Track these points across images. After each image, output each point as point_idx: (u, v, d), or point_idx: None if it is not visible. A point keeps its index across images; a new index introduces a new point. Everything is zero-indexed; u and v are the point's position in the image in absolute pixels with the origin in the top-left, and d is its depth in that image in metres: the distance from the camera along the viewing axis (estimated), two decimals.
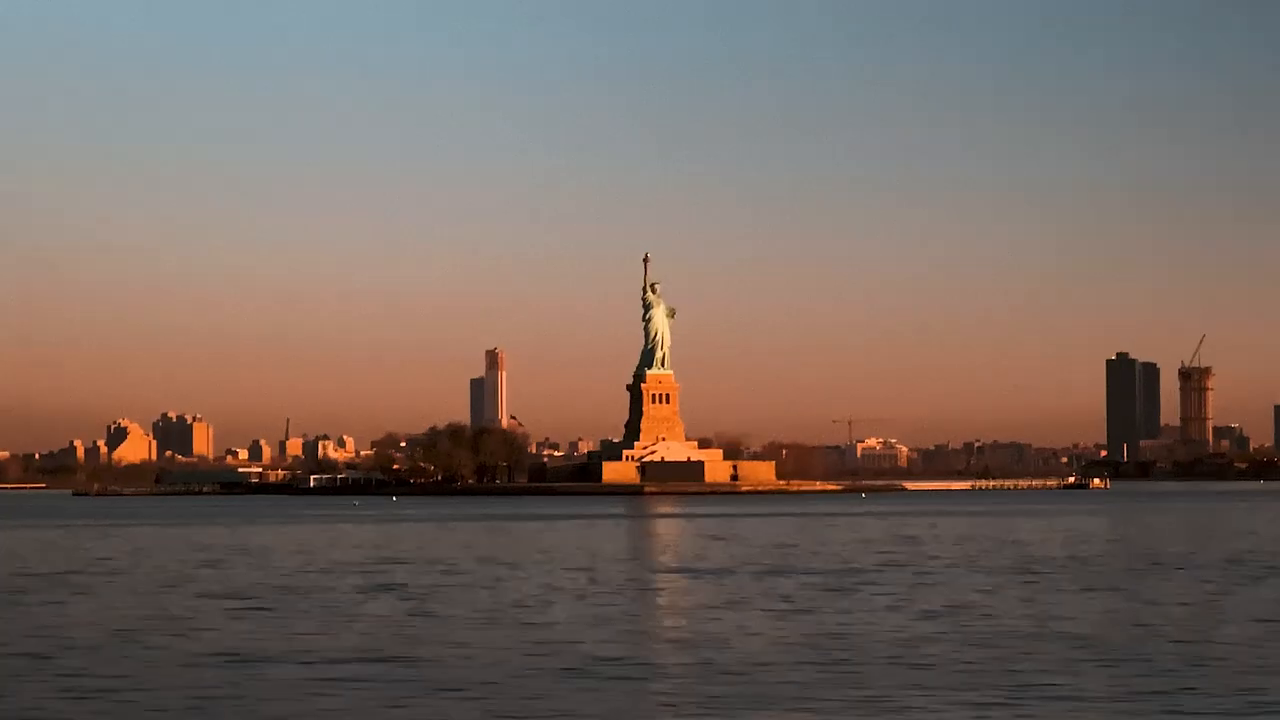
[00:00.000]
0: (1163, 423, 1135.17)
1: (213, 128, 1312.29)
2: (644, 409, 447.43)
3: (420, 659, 52.46)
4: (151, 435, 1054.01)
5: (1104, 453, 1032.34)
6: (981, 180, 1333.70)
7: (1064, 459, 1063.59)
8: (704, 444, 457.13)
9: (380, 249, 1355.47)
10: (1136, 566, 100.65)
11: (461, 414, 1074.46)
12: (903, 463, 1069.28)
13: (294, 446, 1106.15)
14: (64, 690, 46.14)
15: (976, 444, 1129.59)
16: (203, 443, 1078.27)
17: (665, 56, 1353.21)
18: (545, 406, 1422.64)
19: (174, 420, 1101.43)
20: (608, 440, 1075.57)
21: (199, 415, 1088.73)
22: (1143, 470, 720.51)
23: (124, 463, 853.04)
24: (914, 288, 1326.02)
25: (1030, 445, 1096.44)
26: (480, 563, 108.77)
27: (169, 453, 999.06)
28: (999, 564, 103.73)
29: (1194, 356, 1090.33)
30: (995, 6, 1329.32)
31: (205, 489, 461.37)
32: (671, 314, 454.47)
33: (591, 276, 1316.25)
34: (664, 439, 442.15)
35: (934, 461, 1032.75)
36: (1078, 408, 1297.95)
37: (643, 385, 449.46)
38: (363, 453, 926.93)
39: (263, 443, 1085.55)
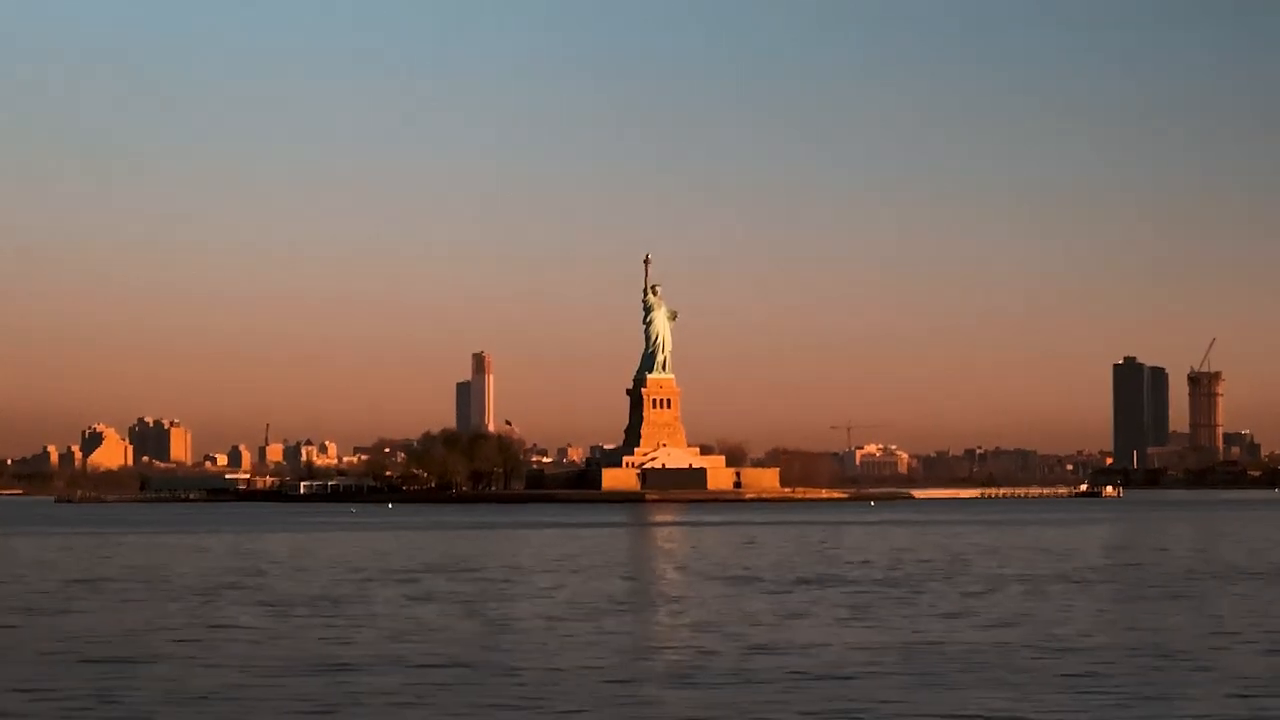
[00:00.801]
0: (1171, 429, 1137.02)
1: (192, 128, 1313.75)
2: (644, 414, 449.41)
3: (520, 666, 54.16)
4: (128, 440, 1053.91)
5: (1110, 460, 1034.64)
6: (985, 181, 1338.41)
7: (1069, 466, 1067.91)
8: (705, 450, 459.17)
9: (363, 250, 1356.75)
10: (1195, 575, 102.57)
11: (447, 419, 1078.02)
12: (903, 469, 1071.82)
13: (274, 452, 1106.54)
14: (169, 695, 47.58)
15: (978, 450, 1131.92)
16: (180, 448, 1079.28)
17: (668, 52, 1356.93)
18: (533, 412, 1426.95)
19: (150, 425, 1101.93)
20: (598, 446, 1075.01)
21: (176, 420, 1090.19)
22: (1153, 478, 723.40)
23: (100, 468, 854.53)
24: (915, 290, 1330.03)
25: (1035, 452, 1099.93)
26: (520, 571, 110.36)
27: (146, 458, 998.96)
28: (1045, 573, 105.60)
29: (1203, 361, 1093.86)
30: (1002, 4, 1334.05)
31: (191, 495, 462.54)
32: (673, 317, 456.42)
33: (581, 278, 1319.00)
34: (665, 445, 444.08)
35: (936, 469, 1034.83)
36: (1083, 414, 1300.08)
37: (643, 390, 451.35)
38: (345, 459, 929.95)
39: (242, 448, 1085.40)
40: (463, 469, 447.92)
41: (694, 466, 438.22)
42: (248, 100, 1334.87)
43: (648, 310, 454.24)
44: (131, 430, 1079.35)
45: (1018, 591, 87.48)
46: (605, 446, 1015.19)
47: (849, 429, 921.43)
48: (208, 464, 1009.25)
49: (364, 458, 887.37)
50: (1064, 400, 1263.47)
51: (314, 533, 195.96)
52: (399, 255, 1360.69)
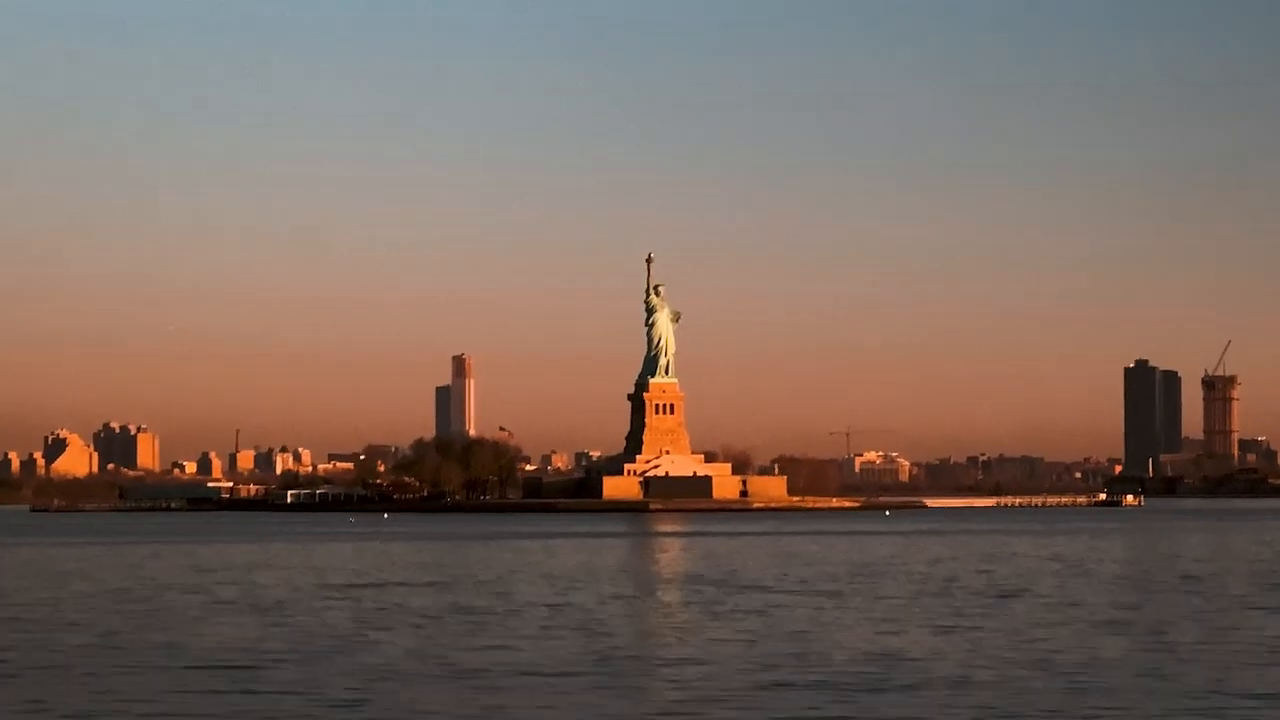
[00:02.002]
0: (1184, 435, 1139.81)
1: (159, 126, 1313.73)
2: (646, 420, 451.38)
3: (647, 671, 57.96)
4: (92, 447, 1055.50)
5: (1119, 468, 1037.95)
6: (991, 177, 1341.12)
7: (1077, 474, 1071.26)
8: (709, 458, 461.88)
9: (337, 247, 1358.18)
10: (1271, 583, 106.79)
11: (426, 424, 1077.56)
12: (904, 477, 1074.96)
13: (246, 459, 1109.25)
14: (313, 704, 50.93)
15: (982, 458, 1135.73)
16: (148, 455, 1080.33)
17: (672, 42, 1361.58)
18: (516, 417, 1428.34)
19: (117, 431, 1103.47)
20: (584, 452, 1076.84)
21: (144, 425, 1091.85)
22: (1169, 487, 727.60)
23: (66, 476, 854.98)
24: (917, 290, 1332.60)
25: (1042, 459, 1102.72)
26: (572, 581, 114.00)
27: (112, 465, 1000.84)
28: (1119, 579, 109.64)
29: (1218, 364, 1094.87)
30: (1008, 21, 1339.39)
31: (172, 505, 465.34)
32: (676, 318, 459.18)
33: (571, 276, 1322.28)
34: (668, 452, 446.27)
35: (940, 477, 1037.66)
36: (1092, 419, 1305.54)
37: (645, 394, 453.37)
38: (320, 466, 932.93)
39: (213, 455, 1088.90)
40: (457, 477, 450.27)
41: (699, 475, 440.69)
42: (223, 96, 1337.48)
43: (650, 311, 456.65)
44: (97, 436, 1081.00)
45: (1112, 601, 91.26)
46: (592, 453, 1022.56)
47: (848, 434, 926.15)
48: (176, 471, 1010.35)
49: (339, 465, 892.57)
50: (1072, 405, 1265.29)
51: (334, 543, 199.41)
52: (374, 253, 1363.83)
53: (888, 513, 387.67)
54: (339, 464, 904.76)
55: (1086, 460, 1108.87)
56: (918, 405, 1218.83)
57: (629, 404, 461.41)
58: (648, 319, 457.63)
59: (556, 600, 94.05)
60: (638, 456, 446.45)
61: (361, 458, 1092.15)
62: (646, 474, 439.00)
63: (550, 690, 52.72)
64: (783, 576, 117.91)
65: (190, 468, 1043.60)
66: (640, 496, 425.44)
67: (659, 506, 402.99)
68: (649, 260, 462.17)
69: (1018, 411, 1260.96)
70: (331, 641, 69.51)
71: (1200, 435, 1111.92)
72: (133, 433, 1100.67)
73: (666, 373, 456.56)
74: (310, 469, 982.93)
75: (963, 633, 72.04)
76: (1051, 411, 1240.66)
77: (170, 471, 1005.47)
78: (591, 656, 62.46)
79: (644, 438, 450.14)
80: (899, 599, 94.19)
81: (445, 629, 75.43)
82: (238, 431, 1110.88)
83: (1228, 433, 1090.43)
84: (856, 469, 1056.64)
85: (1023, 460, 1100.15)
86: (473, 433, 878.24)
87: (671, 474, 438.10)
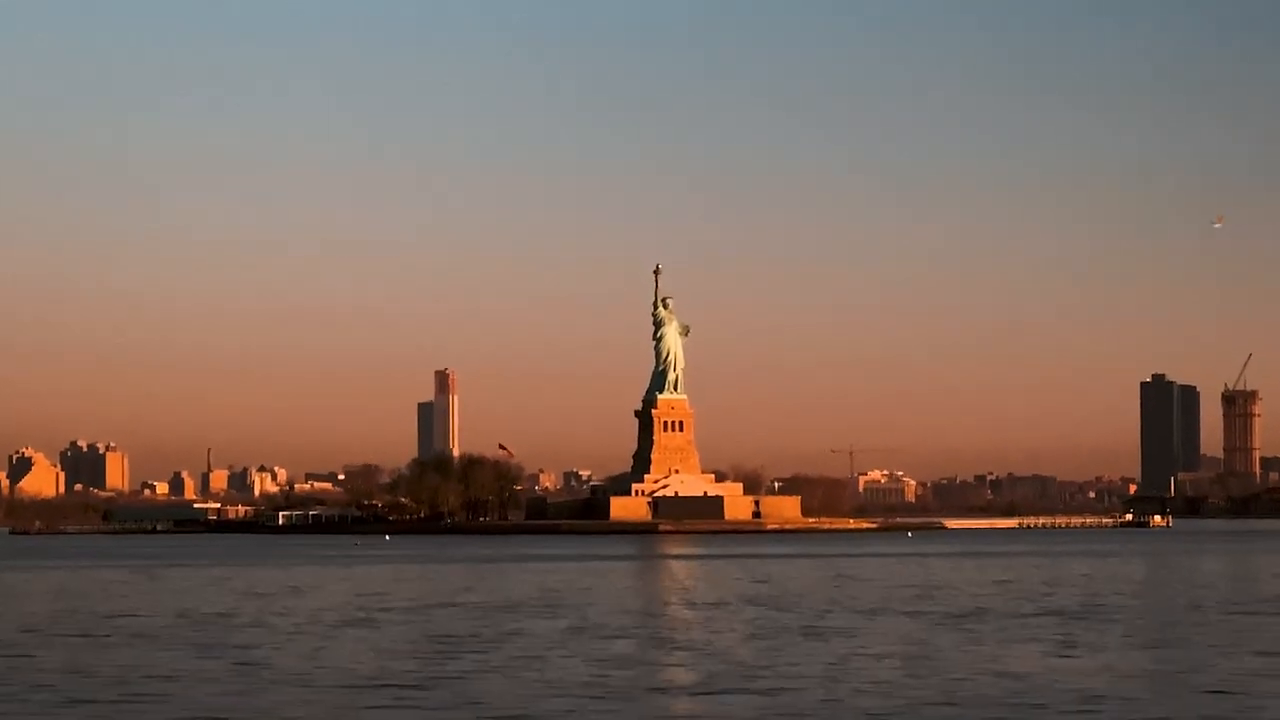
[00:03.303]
0: (1203, 453, 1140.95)
1: (127, 138, 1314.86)
2: (655, 438, 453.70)
3: (784, 689, 61.84)
4: (59, 466, 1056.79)
5: (1133, 487, 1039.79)
6: (999, 182, 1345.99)
7: (1091, 494, 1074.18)
8: (719, 477, 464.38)
9: (314, 256, 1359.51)
10: None
11: (407, 442, 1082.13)
12: (910, 498, 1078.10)
13: (219, 479, 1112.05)
14: None
15: (990, 477, 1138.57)
16: (117, 474, 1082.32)
17: (677, 53, 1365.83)
18: (502, 435, 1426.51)
19: (84, 450, 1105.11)
20: (573, 471, 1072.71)
21: (112, 444, 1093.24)
22: (1193, 507, 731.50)
23: (33, 496, 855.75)
24: (923, 302, 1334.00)
25: (1054, 478, 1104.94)
26: (713, 608, 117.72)
27: (79, 486, 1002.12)
28: (1210, 604, 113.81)
29: (1239, 379, 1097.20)
30: (1016, 20, 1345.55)
31: (158, 527, 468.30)
32: (685, 332, 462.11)
33: (561, 287, 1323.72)
34: (678, 471, 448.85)
35: (948, 496, 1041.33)
36: (1105, 436, 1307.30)
37: (653, 411, 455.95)
38: (297, 485, 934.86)
39: (185, 475, 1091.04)
40: (456, 497, 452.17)
41: (709, 495, 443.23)
42: (196, 104, 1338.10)
43: (658, 325, 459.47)
44: (63, 455, 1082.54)
45: (1229, 627, 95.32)
46: (582, 472, 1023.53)
47: (851, 453, 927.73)
48: (147, 492, 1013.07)
49: (317, 485, 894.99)
50: (1085, 422, 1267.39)
51: (357, 567, 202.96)
52: (354, 264, 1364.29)
53: (910, 534, 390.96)
54: (317, 484, 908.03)
55: (1099, 479, 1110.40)
56: (921, 422, 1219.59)
57: (635, 421, 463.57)
58: (655, 333, 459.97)
59: (730, 629, 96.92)
60: (646, 476, 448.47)
61: (341, 477, 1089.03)
62: (655, 494, 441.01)
63: None
64: (886, 600, 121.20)
65: (161, 488, 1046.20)
66: (649, 518, 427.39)
67: (669, 528, 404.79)
68: (657, 272, 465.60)
69: (1028, 428, 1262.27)
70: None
71: (1219, 453, 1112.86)
72: (101, 451, 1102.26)
73: (675, 388, 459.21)
74: (286, 487, 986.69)
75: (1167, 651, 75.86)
76: (1064, 428, 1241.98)
77: (141, 492, 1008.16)
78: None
79: (652, 456, 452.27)
80: (1029, 621, 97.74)
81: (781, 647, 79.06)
82: (209, 450, 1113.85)
83: (1249, 450, 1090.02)
84: (861, 488, 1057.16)
85: (1034, 479, 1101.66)
86: (457, 451, 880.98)
87: (681, 494, 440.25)
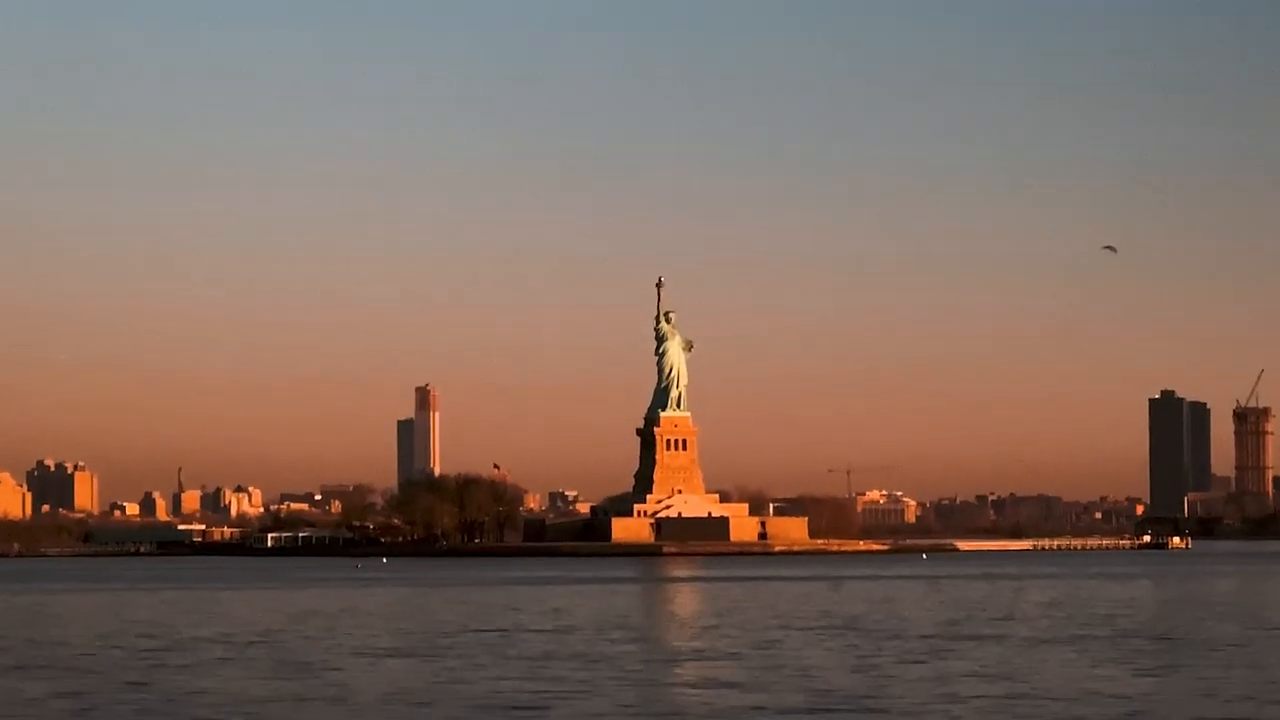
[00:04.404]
0: (1214, 472, 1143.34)
1: (92, 149, 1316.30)
2: (657, 457, 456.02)
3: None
4: (25, 486, 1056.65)
5: (1140, 508, 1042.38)
6: (1005, 194, 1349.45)
7: (1097, 515, 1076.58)
8: (723, 497, 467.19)
9: (287, 265, 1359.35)
10: None
11: (386, 461, 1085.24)
12: (910, 518, 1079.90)
13: (190, 499, 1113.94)
14: None
15: (991, 496, 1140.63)
16: (86, 495, 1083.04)
17: (677, 54, 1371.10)
18: (486, 455, 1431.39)
19: (52, 469, 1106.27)
20: (558, 492, 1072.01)
21: (81, 463, 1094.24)
22: (1207, 528, 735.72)
23: (2, 517, 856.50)
24: (920, 315, 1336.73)
25: (1059, 499, 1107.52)
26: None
27: (46, 506, 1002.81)
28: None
29: (1251, 395, 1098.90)
30: (1028, 14, 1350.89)
31: (142, 549, 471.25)
32: (688, 347, 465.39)
33: (550, 297, 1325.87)
34: (681, 492, 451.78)
35: (951, 517, 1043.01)
36: (1111, 455, 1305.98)
37: (656, 429, 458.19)
38: (273, 506, 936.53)
39: (156, 495, 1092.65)
40: (452, 518, 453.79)
41: (714, 516, 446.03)
42: (165, 116, 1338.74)
43: (660, 340, 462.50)
44: (30, 474, 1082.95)
45: None
46: (568, 493, 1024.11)
47: (849, 473, 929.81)
48: (116, 513, 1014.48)
49: (293, 505, 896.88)
50: (1090, 440, 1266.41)
51: (384, 589, 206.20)
52: (331, 276, 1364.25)
53: (925, 556, 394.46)
54: (294, 505, 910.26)
55: (1103, 499, 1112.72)
56: (918, 439, 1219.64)
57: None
58: (658, 348, 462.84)
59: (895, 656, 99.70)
60: (648, 496, 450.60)
61: (318, 497, 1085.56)
62: (658, 515, 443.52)
63: None
64: (963, 623, 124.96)
65: (132, 508, 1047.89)
66: (652, 539, 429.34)
67: (673, 550, 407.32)
68: (659, 285, 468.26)
69: (1030, 446, 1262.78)
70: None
71: (1230, 472, 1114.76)
72: (69, 471, 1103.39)
73: (679, 406, 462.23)
74: (261, 508, 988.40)
75: None
76: (1068, 447, 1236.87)
77: (111, 513, 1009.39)
78: None
79: (654, 476, 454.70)
80: (1117, 643, 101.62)
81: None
82: (180, 469, 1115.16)
83: (1261, 469, 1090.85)
84: (859, 509, 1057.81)
85: (1038, 500, 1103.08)
86: (438, 470, 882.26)
87: (685, 515, 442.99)
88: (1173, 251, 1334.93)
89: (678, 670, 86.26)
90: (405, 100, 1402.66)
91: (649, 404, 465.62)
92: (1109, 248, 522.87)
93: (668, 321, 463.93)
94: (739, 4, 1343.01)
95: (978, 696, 69.89)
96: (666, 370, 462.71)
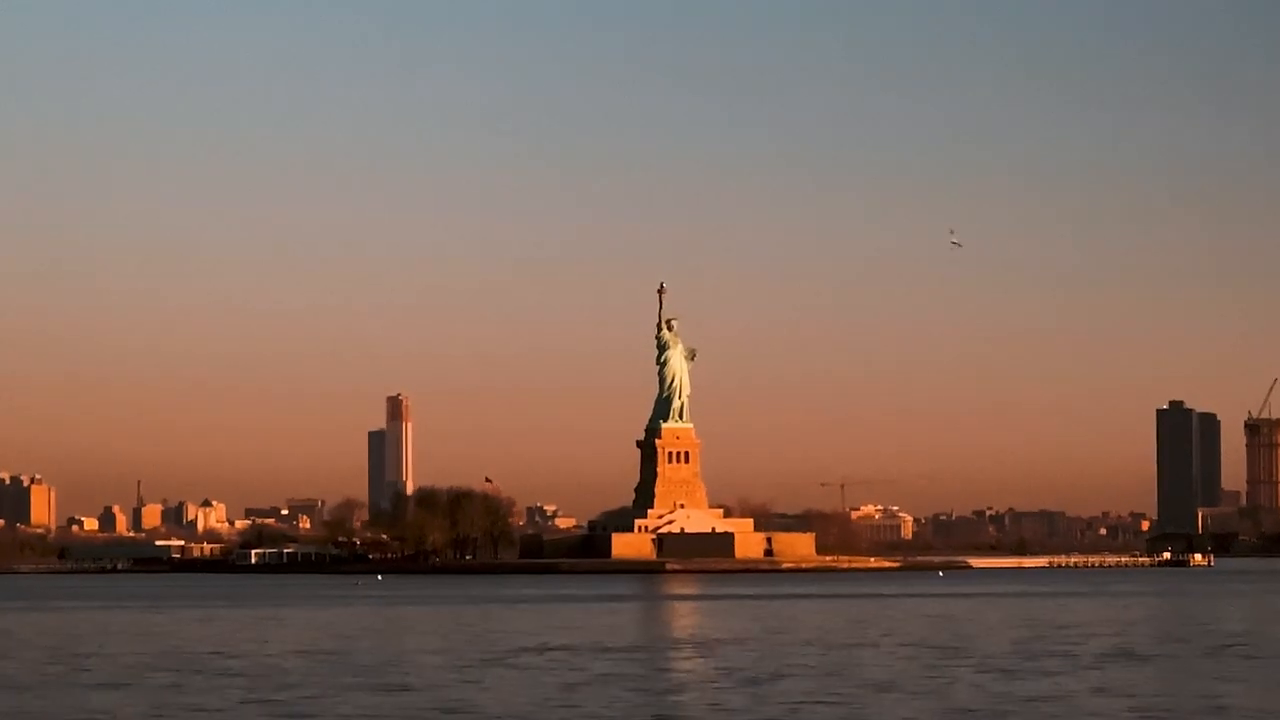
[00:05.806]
0: (1224, 486, 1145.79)
1: (86, 161, 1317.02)
2: (659, 469, 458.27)
3: None
4: None
5: (1145, 523, 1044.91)
6: (1008, 201, 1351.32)
7: (1102, 530, 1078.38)
8: (727, 512, 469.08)
9: (252, 268, 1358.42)
10: None
11: (357, 474, 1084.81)
12: (907, 534, 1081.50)
13: (151, 513, 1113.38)
14: None
15: (989, 511, 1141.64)
16: (42, 509, 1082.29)
17: (677, 57, 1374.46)
18: (461, 468, 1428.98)
19: (7, 483, 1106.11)
20: (538, 507, 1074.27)
21: (38, 476, 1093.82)
22: (1221, 544, 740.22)
23: None
24: (917, 322, 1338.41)
25: (1063, 513, 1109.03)
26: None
27: (2, 521, 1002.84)
28: None
29: (1263, 406, 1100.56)
30: (1033, 20, 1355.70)
31: (119, 566, 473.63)
32: (691, 356, 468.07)
33: (526, 302, 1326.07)
34: (683, 506, 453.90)
35: (949, 534, 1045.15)
36: (1117, 468, 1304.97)
37: (657, 441, 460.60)
38: (237, 521, 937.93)
39: (116, 509, 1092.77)
40: (444, 534, 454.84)
41: (718, 531, 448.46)
42: (139, 121, 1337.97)
43: (662, 349, 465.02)
44: None
45: None
46: (547, 508, 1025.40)
47: (843, 486, 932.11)
48: (75, 528, 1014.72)
49: (260, 520, 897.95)
50: (1095, 453, 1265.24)
51: (414, 607, 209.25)
52: (299, 279, 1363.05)
53: (940, 574, 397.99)
54: (259, 519, 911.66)
55: (1106, 514, 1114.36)
56: (914, 452, 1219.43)
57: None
58: (659, 357, 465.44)
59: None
60: (649, 510, 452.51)
61: (285, 512, 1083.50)
62: (660, 530, 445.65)
63: None
64: (1035, 643, 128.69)
65: (90, 523, 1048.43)
66: (654, 556, 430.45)
67: (676, 567, 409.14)
68: (661, 291, 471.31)
69: (1031, 459, 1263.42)
70: None
71: (1240, 486, 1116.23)
72: (25, 484, 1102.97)
73: (681, 417, 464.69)
74: (226, 522, 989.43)
75: None
76: (1071, 460, 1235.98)
77: (69, 527, 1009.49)
78: None
79: (656, 489, 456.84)
80: (1200, 661, 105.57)
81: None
82: (139, 483, 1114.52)
83: (1273, 483, 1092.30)
84: (852, 524, 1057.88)
85: (1041, 515, 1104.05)
86: (411, 484, 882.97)
87: (688, 530, 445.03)
88: (1182, 256, 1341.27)
89: None
90: (391, 102, 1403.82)
91: (650, 414, 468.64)
92: (955, 243, 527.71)
93: (670, 329, 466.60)
94: (744, 5, 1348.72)
95: None
96: (669, 380, 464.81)
